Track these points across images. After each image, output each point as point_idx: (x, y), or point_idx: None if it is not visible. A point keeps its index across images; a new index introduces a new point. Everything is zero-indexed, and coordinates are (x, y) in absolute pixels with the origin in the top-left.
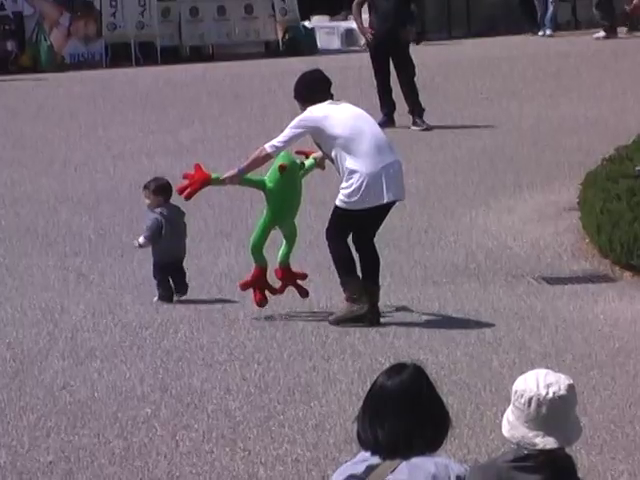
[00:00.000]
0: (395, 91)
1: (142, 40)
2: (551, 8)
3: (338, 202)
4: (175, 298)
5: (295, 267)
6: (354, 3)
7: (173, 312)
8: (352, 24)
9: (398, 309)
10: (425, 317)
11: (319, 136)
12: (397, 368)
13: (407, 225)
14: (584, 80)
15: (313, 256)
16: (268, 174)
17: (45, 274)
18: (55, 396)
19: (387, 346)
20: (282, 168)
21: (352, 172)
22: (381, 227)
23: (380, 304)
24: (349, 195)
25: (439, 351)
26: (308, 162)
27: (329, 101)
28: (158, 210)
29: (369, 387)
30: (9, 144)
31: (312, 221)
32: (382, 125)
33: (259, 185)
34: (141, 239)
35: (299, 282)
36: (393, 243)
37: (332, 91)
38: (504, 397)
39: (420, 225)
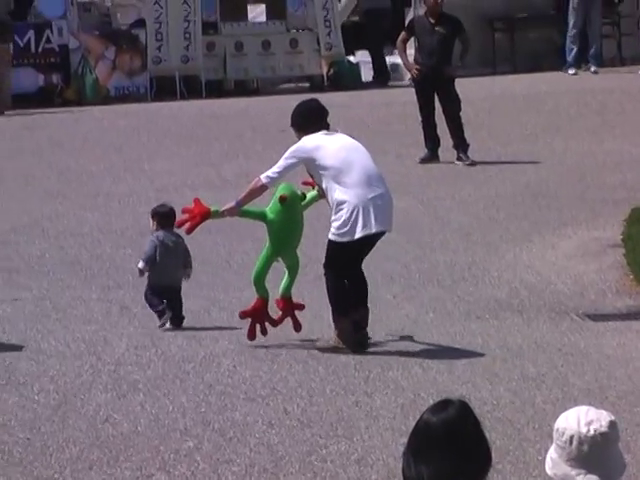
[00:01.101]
0: (440, 126)
1: (187, 74)
2: (596, 44)
3: (330, 236)
4: (167, 326)
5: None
6: (399, 39)
7: (216, 346)
8: (397, 59)
9: (402, 338)
10: (468, 353)
11: (311, 166)
12: (443, 404)
13: (450, 261)
14: (629, 116)
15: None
16: (269, 206)
17: (88, 307)
18: (97, 429)
19: (429, 382)
20: (283, 199)
21: (341, 203)
22: (425, 263)
23: (383, 333)
24: (339, 227)
25: (482, 387)
26: (311, 194)
27: (324, 131)
28: (155, 234)
29: (415, 423)
30: (54, 177)
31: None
32: (426, 160)
33: (260, 217)
34: (140, 264)
35: (296, 313)
36: (436, 279)
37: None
38: (547, 434)
39: (463, 261)
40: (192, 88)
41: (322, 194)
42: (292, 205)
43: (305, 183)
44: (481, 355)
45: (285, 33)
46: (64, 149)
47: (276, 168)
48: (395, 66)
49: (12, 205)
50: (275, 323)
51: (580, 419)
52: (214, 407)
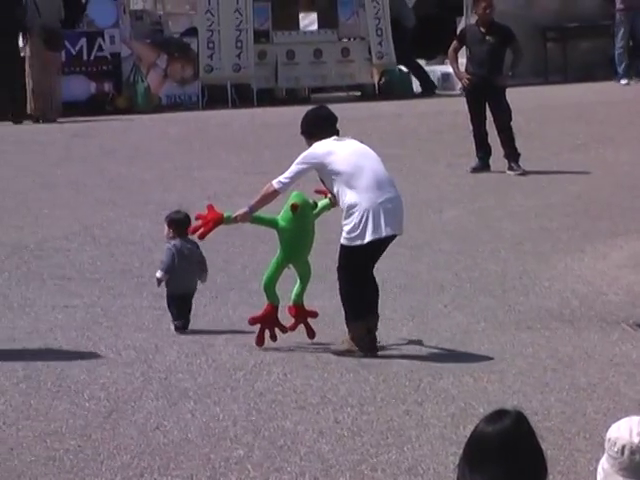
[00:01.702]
0: (491, 135)
1: (238, 82)
2: None
3: (342, 240)
4: (172, 326)
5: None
6: (450, 48)
7: (267, 354)
8: (448, 68)
9: (411, 341)
10: (519, 362)
11: (322, 172)
12: (498, 414)
13: (501, 270)
14: None
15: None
16: (281, 213)
17: (139, 314)
18: (148, 436)
19: (480, 391)
20: (294, 207)
21: (351, 207)
22: (475, 272)
23: (394, 337)
24: (350, 231)
25: (532, 397)
26: (322, 202)
27: (334, 137)
28: (172, 243)
29: (470, 433)
30: (104, 184)
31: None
32: (477, 169)
33: (272, 224)
34: (158, 273)
35: (310, 321)
36: (487, 288)
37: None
38: (598, 444)
39: (514, 270)
40: (243, 96)
41: (334, 202)
42: (304, 213)
43: (318, 191)
44: (532, 365)
45: (336, 42)
46: (115, 157)
47: (288, 174)
48: (446, 75)
49: (63, 212)
50: (285, 330)
51: (632, 429)
52: (264, 415)
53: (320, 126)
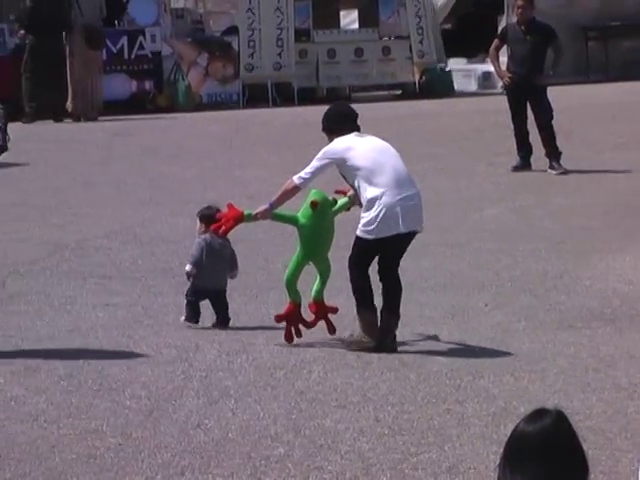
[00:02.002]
0: (532, 134)
1: (279, 81)
2: None
3: (358, 232)
4: (214, 324)
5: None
6: (491, 47)
7: (307, 353)
8: (489, 67)
9: (430, 337)
10: (559, 362)
11: (342, 167)
12: (538, 413)
13: (542, 269)
14: None
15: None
16: (301, 211)
17: (180, 313)
18: (189, 435)
19: (521, 390)
20: (314, 205)
21: (371, 202)
22: (516, 271)
23: (410, 333)
24: (366, 224)
25: (574, 396)
26: (342, 200)
27: (355, 133)
28: (202, 237)
29: (510, 433)
30: (145, 183)
31: None
32: (518, 168)
33: (292, 221)
34: (187, 266)
35: (330, 317)
36: (528, 287)
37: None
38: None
39: (555, 270)
40: (284, 95)
41: (353, 201)
42: (323, 211)
43: (338, 192)
44: (573, 364)
45: (377, 40)
46: (156, 156)
47: (308, 169)
48: (487, 74)
49: (104, 211)
50: (309, 325)
51: None
52: (305, 414)
53: (341, 122)
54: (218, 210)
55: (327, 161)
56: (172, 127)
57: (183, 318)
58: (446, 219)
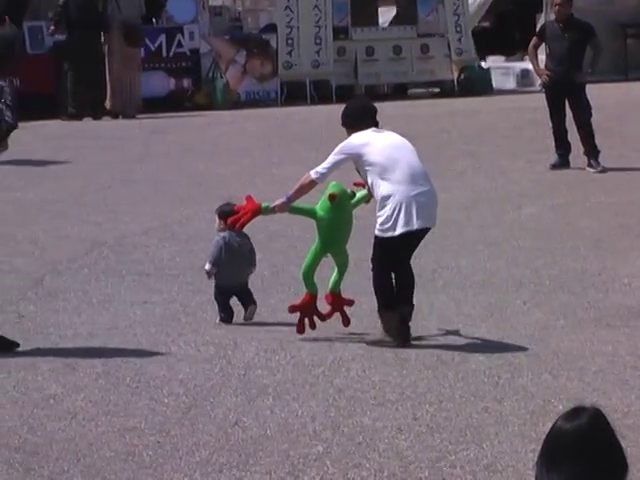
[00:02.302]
0: (570, 132)
1: (317, 79)
2: None
3: (376, 231)
4: (246, 315)
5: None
6: (530, 45)
7: (345, 351)
8: (528, 65)
9: (450, 332)
10: (598, 360)
11: (358, 162)
12: (575, 412)
13: (580, 267)
14: None
15: (478, 297)
16: (319, 203)
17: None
18: (227, 432)
19: (559, 388)
20: (332, 197)
21: (385, 199)
22: (555, 269)
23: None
24: (383, 223)
25: (612, 394)
26: (361, 193)
27: (373, 129)
28: (221, 235)
29: (548, 431)
30: (183, 180)
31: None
32: (557, 166)
33: (310, 214)
34: (207, 265)
35: (346, 309)
36: (567, 285)
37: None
38: None
39: (594, 267)
40: (322, 93)
41: (372, 194)
42: (341, 204)
43: (357, 184)
44: (611, 362)
45: (416, 38)
46: (194, 153)
47: (325, 164)
48: (525, 72)
49: (142, 209)
50: (323, 317)
51: None
52: (343, 412)
53: (360, 118)
54: (233, 208)
55: (344, 156)
56: (210, 125)
57: (218, 320)
58: (484, 217)
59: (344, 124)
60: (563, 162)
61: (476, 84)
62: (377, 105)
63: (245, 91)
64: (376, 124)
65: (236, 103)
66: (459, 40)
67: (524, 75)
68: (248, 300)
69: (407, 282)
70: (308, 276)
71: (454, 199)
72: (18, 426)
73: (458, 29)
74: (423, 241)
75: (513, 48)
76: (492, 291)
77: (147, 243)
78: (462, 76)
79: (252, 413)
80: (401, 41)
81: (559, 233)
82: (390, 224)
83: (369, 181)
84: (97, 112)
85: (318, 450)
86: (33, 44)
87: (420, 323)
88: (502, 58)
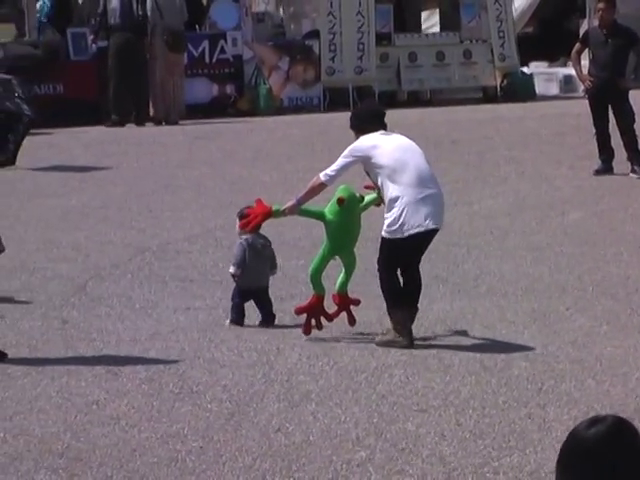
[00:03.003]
0: (614, 138)
1: (360, 85)
2: None
3: (383, 233)
4: (261, 327)
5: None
6: (573, 51)
7: (388, 357)
8: (571, 70)
9: (457, 332)
10: None
11: (367, 164)
12: (593, 421)
13: (624, 273)
14: None
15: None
16: (328, 206)
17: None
18: (270, 438)
19: (603, 394)
20: (341, 201)
21: (393, 201)
22: (598, 275)
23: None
24: (390, 224)
25: None
26: (370, 196)
27: (381, 131)
28: (244, 237)
29: (565, 438)
30: (226, 187)
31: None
32: (600, 172)
33: (319, 216)
34: (231, 269)
35: (352, 308)
36: (610, 291)
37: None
38: None
39: (637, 273)
40: (365, 99)
41: (381, 199)
42: (350, 207)
43: (367, 187)
44: None
45: (459, 44)
46: (236, 159)
47: (334, 166)
48: (569, 77)
49: (185, 215)
50: (330, 318)
51: None
52: (386, 418)
53: (369, 121)
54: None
55: (353, 159)
56: (253, 131)
57: (228, 321)
58: (527, 223)
59: (353, 126)
60: (606, 168)
61: (519, 90)
62: (419, 111)
63: (288, 97)
64: (384, 127)
65: (279, 109)
66: (502, 46)
67: (567, 81)
68: (267, 307)
69: (414, 286)
70: (316, 277)
71: (497, 205)
72: (61, 432)
73: (501, 35)
74: (466, 247)
75: (556, 54)
76: (535, 297)
77: (190, 249)
78: (505, 82)
79: (295, 419)
80: (444, 47)
81: (602, 239)
82: (398, 226)
83: (378, 182)
84: (140, 118)
85: (361, 456)
86: (76, 50)
87: (463, 329)
88: (545, 64)
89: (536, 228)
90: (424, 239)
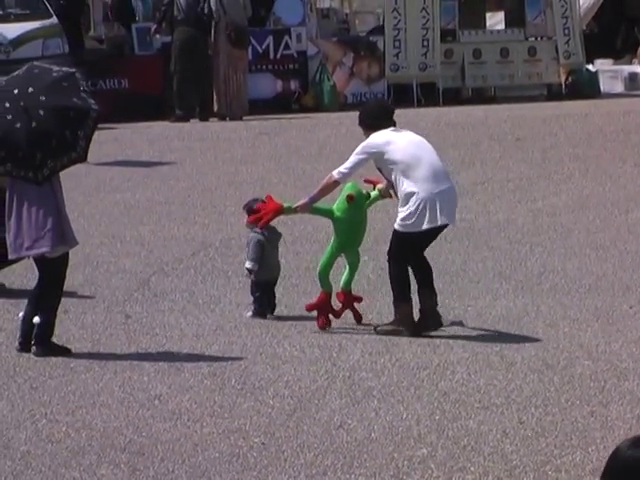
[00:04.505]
0: None
1: (424, 81)
2: None
3: (396, 226)
4: (249, 312)
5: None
6: (639, 48)
7: (450, 354)
8: (636, 68)
9: (454, 323)
10: None
11: (380, 161)
12: (635, 441)
13: None
14: None
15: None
16: (336, 204)
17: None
18: (332, 435)
19: None
20: (350, 198)
21: (409, 196)
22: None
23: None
24: (405, 219)
25: None
26: (373, 193)
27: (392, 128)
28: (258, 232)
29: (611, 454)
30: (290, 182)
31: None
32: None
33: (328, 214)
34: (248, 264)
35: (356, 306)
36: None
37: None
38: None
39: None
40: (429, 95)
41: (384, 194)
42: (358, 204)
43: (367, 181)
44: None
45: (524, 41)
46: (300, 155)
47: (348, 164)
48: (634, 75)
49: None
50: (337, 314)
51: None
52: (448, 415)
53: (379, 118)
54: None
55: (366, 155)
56: (317, 127)
57: (250, 314)
58: (591, 221)
59: (362, 123)
60: None
61: (584, 87)
62: (483, 108)
63: (352, 93)
64: (394, 124)
65: (343, 105)
66: (567, 43)
67: (632, 78)
68: (272, 299)
69: (427, 272)
70: (324, 275)
71: (562, 202)
72: (124, 426)
73: (566, 32)
74: (529, 244)
75: (622, 51)
76: (599, 295)
77: None
78: (570, 79)
79: (357, 415)
80: (508, 44)
81: None
82: (414, 220)
83: (392, 178)
84: (204, 114)
85: (423, 453)
86: (141, 45)
87: (526, 327)
88: (610, 61)
89: (600, 226)
90: (436, 234)
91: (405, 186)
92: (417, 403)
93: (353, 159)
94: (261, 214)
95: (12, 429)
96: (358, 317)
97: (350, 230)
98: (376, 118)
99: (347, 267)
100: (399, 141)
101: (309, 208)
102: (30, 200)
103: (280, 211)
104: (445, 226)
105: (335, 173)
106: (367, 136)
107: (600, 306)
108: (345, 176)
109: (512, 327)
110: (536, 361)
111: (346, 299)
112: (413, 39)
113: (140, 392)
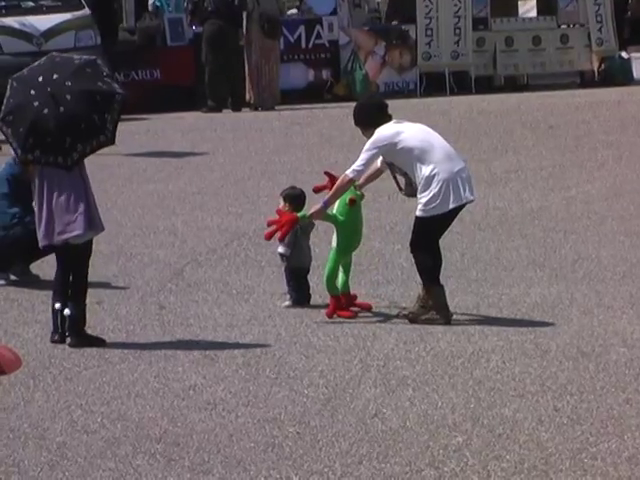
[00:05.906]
0: None
1: (456, 69)
2: None
3: (418, 213)
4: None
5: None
6: None
7: (485, 342)
8: None
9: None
10: None
11: (392, 153)
12: None
13: None
14: None
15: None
16: (337, 209)
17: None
18: (367, 424)
19: None
20: (352, 202)
21: (430, 179)
22: None
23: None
24: (429, 202)
25: None
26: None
27: (394, 120)
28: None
29: None
30: (321, 171)
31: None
32: None
33: (332, 220)
34: (281, 248)
35: (358, 301)
36: None
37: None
38: None
39: None
40: (461, 84)
41: (362, 195)
42: (358, 206)
43: (316, 189)
44: None
45: (556, 28)
46: (333, 144)
47: (360, 161)
48: None
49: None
50: (348, 315)
51: None
52: (483, 403)
53: (376, 115)
54: (302, 191)
55: (377, 150)
56: (349, 116)
57: (288, 303)
58: (625, 208)
59: (359, 122)
60: None
61: (616, 74)
62: (516, 96)
63: (384, 82)
64: (391, 118)
65: (375, 94)
66: (599, 30)
67: None
68: (306, 289)
69: (438, 263)
70: (331, 282)
71: (595, 190)
72: (159, 417)
73: (599, 19)
74: (563, 232)
75: None
76: (633, 282)
77: None
78: (602, 66)
79: (392, 404)
80: (541, 32)
81: None
82: (439, 202)
83: (408, 166)
84: (236, 104)
85: (458, 441)
86: (173, 36)
87: (560, 314)
88: None
89: (634, 213)
90: (456, 214)
91: (424, 171)
92: (452, 391)
93: (364, 156)
94: (276, 228)
95: (47, 420)
96: (368, 307)
97: (352, 233)
98: (374, 116)
99: (341, 269)
100: (407, 130)
101: (324, 213)
102: (60, 186)
103: (296, 221)
104: (464, 205)
105: (349, 172)
106: (367, 135)
107: (635, 293)
108: (360, 173)
109: (546, 315)
110: (571, 348)
111: (347, 300)
112: (445, 27)
113: (175, 382)
